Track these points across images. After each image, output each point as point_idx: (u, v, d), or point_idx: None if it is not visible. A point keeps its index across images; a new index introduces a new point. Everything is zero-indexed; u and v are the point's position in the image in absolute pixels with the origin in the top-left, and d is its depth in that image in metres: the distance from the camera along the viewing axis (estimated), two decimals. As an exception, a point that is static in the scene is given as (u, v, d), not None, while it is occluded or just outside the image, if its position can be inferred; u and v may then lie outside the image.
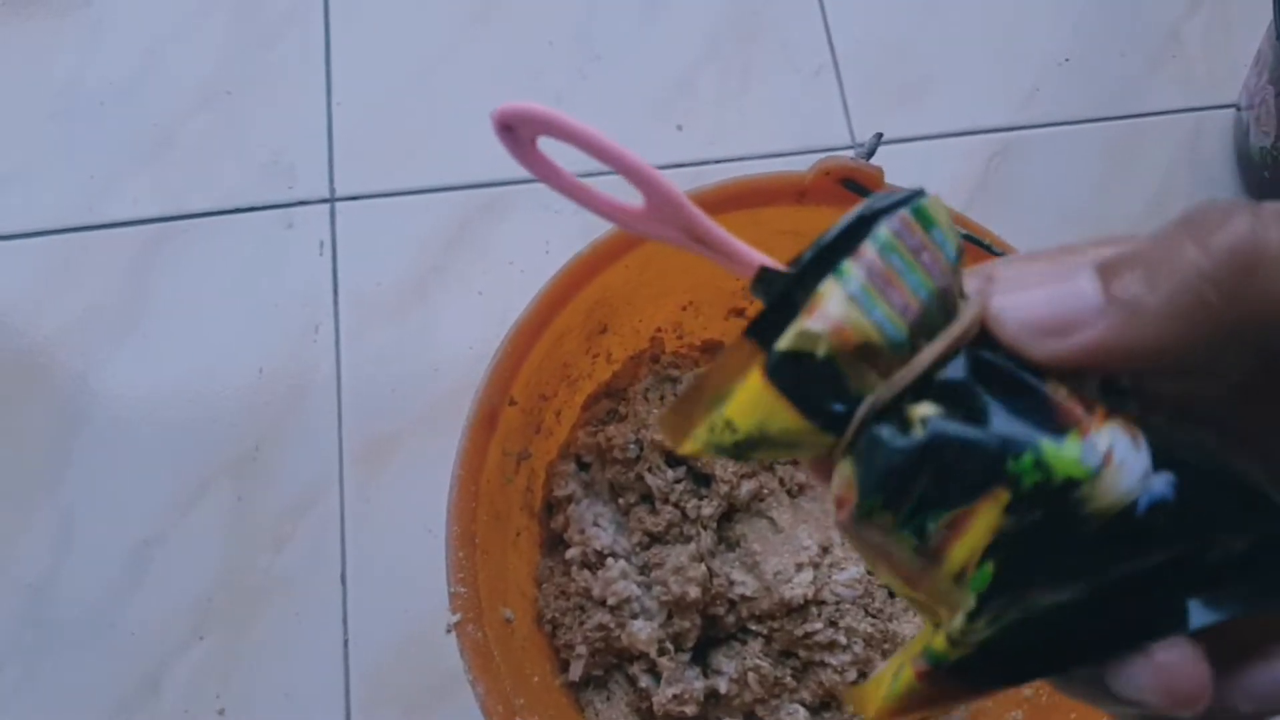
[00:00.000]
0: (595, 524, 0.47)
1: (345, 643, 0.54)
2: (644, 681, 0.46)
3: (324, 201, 0.62)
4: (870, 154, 0.43)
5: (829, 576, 0.46)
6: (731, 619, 0.46)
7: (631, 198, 0.21)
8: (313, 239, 0.61)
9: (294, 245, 0.61)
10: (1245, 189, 0.63)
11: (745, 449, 0.19)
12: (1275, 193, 0.60)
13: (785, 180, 0.44)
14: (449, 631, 0.54)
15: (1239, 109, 0.63)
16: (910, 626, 0.45)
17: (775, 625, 0.46)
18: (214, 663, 0.53)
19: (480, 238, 0.62)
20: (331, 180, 0.63)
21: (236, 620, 0.54)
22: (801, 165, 0.44)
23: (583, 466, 0.49)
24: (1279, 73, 0.56)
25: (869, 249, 0.18)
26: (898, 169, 0.43)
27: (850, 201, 0.44)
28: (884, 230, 0.18)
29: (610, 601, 0.45)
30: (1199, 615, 0.18)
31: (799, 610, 0.45)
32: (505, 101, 0.19)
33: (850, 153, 0.63)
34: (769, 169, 0.45)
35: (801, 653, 0.46)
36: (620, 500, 0.47)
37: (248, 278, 0.60)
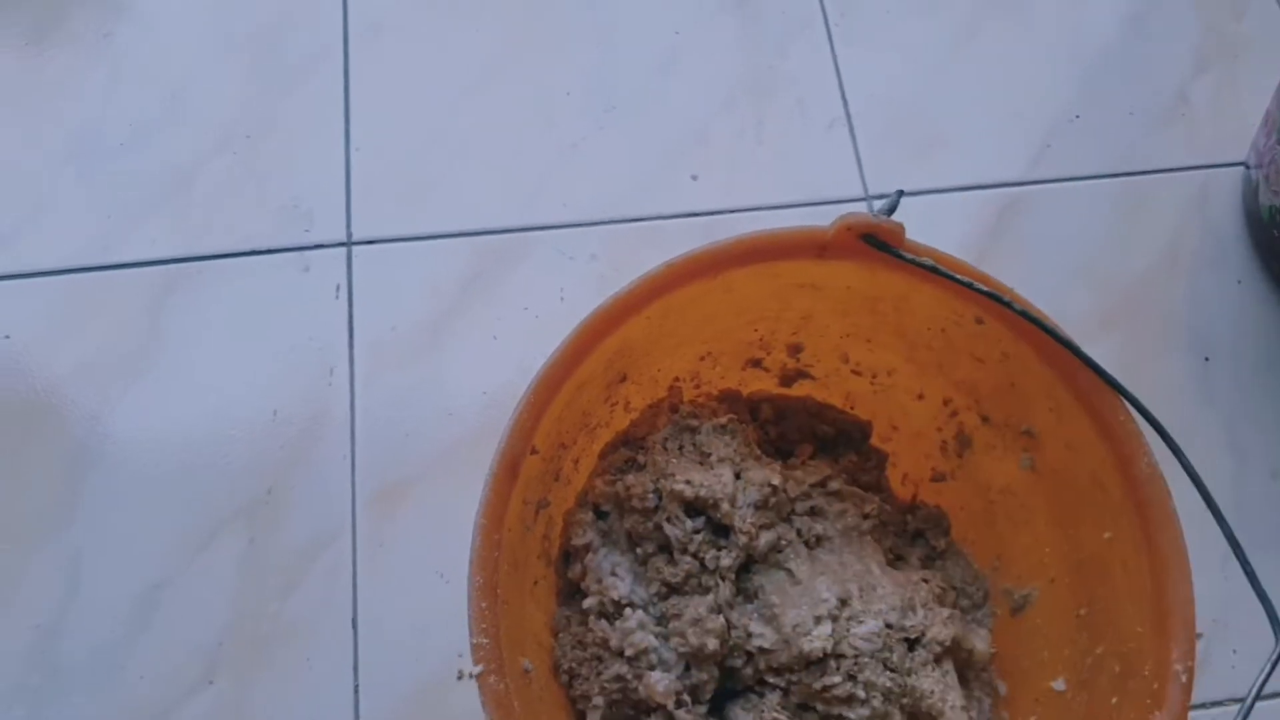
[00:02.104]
0: (613, 573, 0.47)
1: (356, 689, 0.54)
2: (661, 734, 0.45)
3: (341, 245, 0.63)
4: (891, 210, 0.44)
5: (848, 629, 0.45)
6: (749, 671, 0.46)
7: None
8: (329, 282, 0.62)
9: (310, 288, 0.61)
10: (1254, 247, 0.64)
11: None
12: (1283, 250, 0.61)
13: (806, 235, 0.44)
14: (460, 679, 0.54)
15: (1248, 167, 0.64)
16: (929, 681, 0.45)
17: (793, 678, 0.45)
18: (223, 708, 0.53)
19: (495, 283, 0.62)
20: (349, 224, 0.63)
21: (246, 665, 0.54)
22: (814, 217, 0.45)
23: (600, 515, 0.49)
24: (1287, 134, 0.57)
25: None
26: (910, 222, 0.43)
27: (871, 257, 0.44)
28: None
29: (628, 652, 0.45)
30: None
31: (817, 663, 0.45)
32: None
33: (869, 207, 0.64)
34: (782, 220, 0.46)
35: (820, 706, 0.45)
36: (638, 550, 0.47)
37: (263, 320, 0.61)
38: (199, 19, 0.69)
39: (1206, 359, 0.62)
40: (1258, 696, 0.38)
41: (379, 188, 0.64)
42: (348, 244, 0.63)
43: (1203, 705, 0.55)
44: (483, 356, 0.60)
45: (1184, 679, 0.40)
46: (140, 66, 0.67)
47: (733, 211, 0.65)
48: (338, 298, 0.61)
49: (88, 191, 0.64)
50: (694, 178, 0.66)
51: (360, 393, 0.59)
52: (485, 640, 0.39)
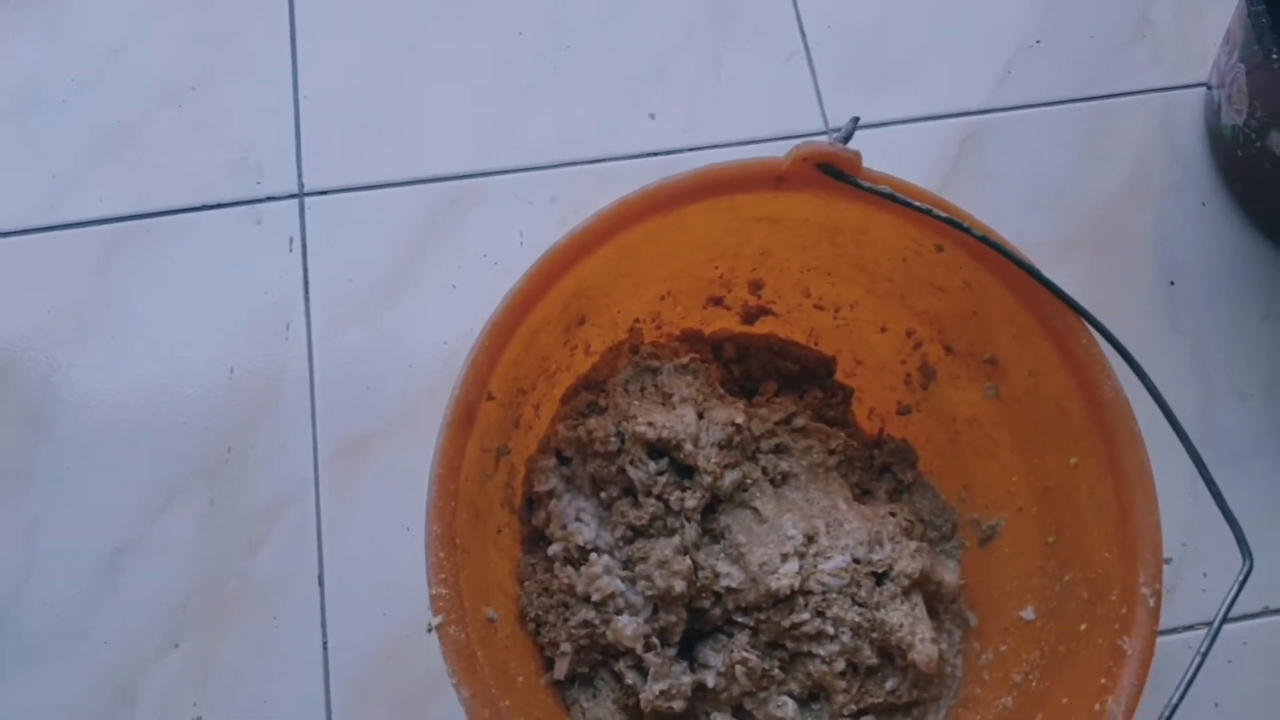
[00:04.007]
0: (577, 519, 0.46)
1: (324, 646, 0.53)
2: (630, 678, 0.45)
3: (293, 197, 0.61)
4: (847, 138, 0.43)
5: (815, 566, 0.45)
6: (718, 612, 0.45)
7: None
8: (282, 235, 0.60)
9: (263, 242, 0.60)
10: (1217, 167, 0.63)
11: None
12: (1246, 170, 0.60)
13: (762, 166, 0.43)
14: (430, 632, 0.54)
15: (1210, 88, 0.63)
16: (898, 614, 0.45)
17: (762, 617, 0.45)
18: (190, 671, 0.52)
19: (452, 230, 0.61)
20: (300, 175, 0.62)
21: (212, 627, 0.53)
22: (775, 152, 0.44)
23: (563, 461, 0.48)
24: (1249, 51, 0.56)
25: None
26: (871, 153, 0.43)
27: (828, 187, 0.43)
28: None
29: (594, 597, 0.45)
30: None
31: (785, 601, 0.45)
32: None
33: (826, 138, 0.63)
34: (743, 156, 0.45)
35: (789, 644, 0.45)
36: (602, 494, 0.47)
37: (216, 276, 0.59)
38: (135, -32, 0.66)
39: (1172, 283, 0.61)
40: (1225, 618, 0.38)
41: (330, 137, 0.63)
42: (300, 195, 0.61)
43: (1174, 630, 0.55)
44: (442, 306, 0.59)
45: (1151, 603, 0.40)
46: (78, 21, 0.65)
47: (692, 150, 0.63)
48: (291, 250, 0.60)
49: (30, 151, 0.62)
50: (652, 116, 0.64)
51: (318, 347, 0.58)
52: (444, 590, 0.38)
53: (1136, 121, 0.65)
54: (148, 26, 0.65)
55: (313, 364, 0.58)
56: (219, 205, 0.61)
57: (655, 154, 0.63)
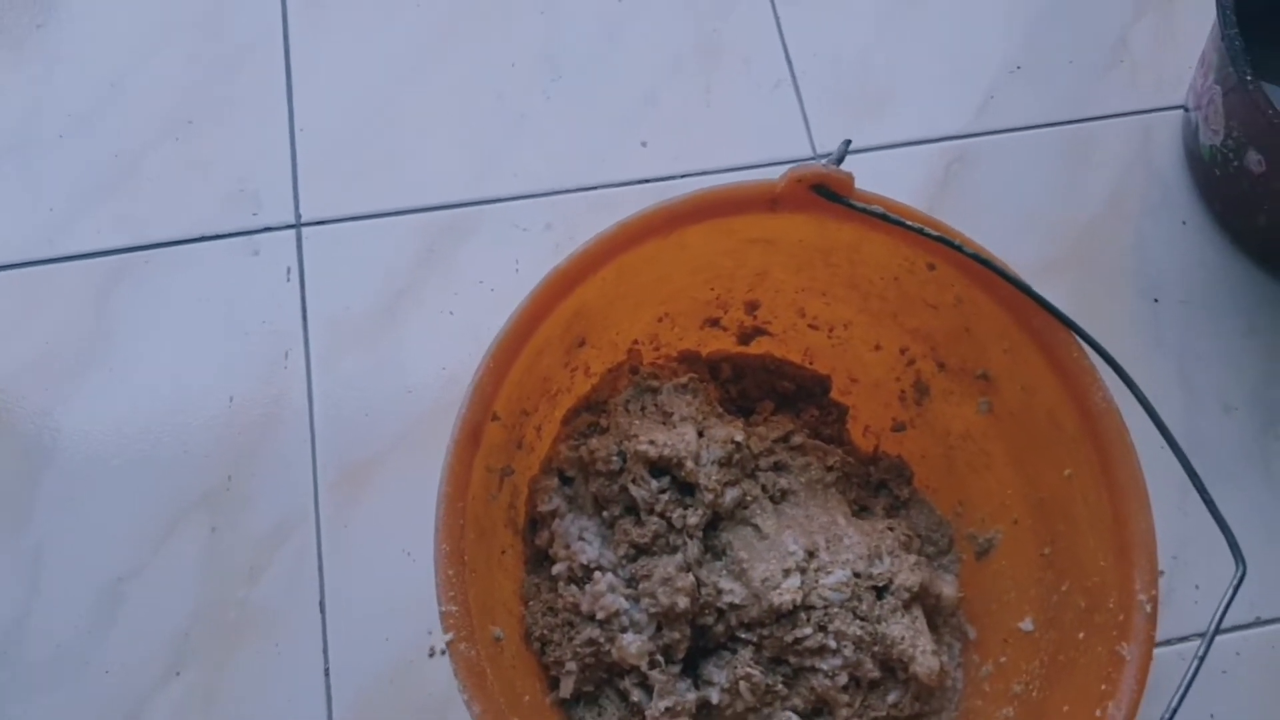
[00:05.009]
0: (580, 538, 0.47)
1: (326, 672, 0.53)
2: (636, 695, 0.45)
3: (290, 227, 0.62)
4: (840, 160, 0.44)
5: (816, 581, 0.46)
6: (721, 628, 0.46)
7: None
8: (279, 265, 0.61)
9: (261, 272, 0.61)
10: (1196, 187, 0.65)
11: None
12: (1225, 189, 0.62)
13: (757, 189, 0.44)
14: (432, 657, 0.54)
15: (1187, 110, 0.65)
16: (899, 627, 0.46)
17: (765, 632, 0.45)
18: (193, 699, 0.52)
19: (448, 258, 0.62)
20: (297, 206, 0.62)
21: (214, 655, 0.53)
22: (765, 177, 0.45)
23: (565, 481, 0.49)
24: (1224, 73, 0.57)
25: None
26: (860, 177, 0.44)
27: (822, 209, 0.44)
28: None
29: (599, 615, 0.45)
30: None
31: (788, 616, 0.45)
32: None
33: (818, 161, 0.64)
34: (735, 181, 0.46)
35: (792, 659, 0.46)
36: (605, 513, 0.47)
37: (215, 306, 0.60)
38: (133, 4, 0.67)
39: (1155, 300, 0.63)
40: (1221, 621, 0.39)
41: (326, 167, 0.64)
42: (297, 225, 0.62)
43: (1167, 642, 0.56)
44: (440, 332, 0.60)
45: (1149, 609, 0.41)
46: (75, 56, 0.66)
47: (684, 176, 0.65)
48: (289, 280, 0.61)
49: (28, 185, 0.62)
50: (644, 144, 0.65)
51: (317, 375, 0.59)
52: (454, 607, 0.38)
53: (1116, 143, 0.66)
54: (145, 61, 0.66)
55: (312, 391, 0.58)
56: (217, 236, 0.61)
57: (647, 181, 0.64)
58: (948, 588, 0.49)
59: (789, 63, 0.68)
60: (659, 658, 0.45)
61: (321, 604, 0.54)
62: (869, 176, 0.45)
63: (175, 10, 0.67)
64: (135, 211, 0.62)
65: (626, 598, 0.46)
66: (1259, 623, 0.56)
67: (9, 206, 0.62)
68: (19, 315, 0.59)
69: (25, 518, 0.55)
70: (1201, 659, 0.39)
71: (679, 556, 0.46)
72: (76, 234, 0.61)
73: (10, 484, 0.56)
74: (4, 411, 0.57)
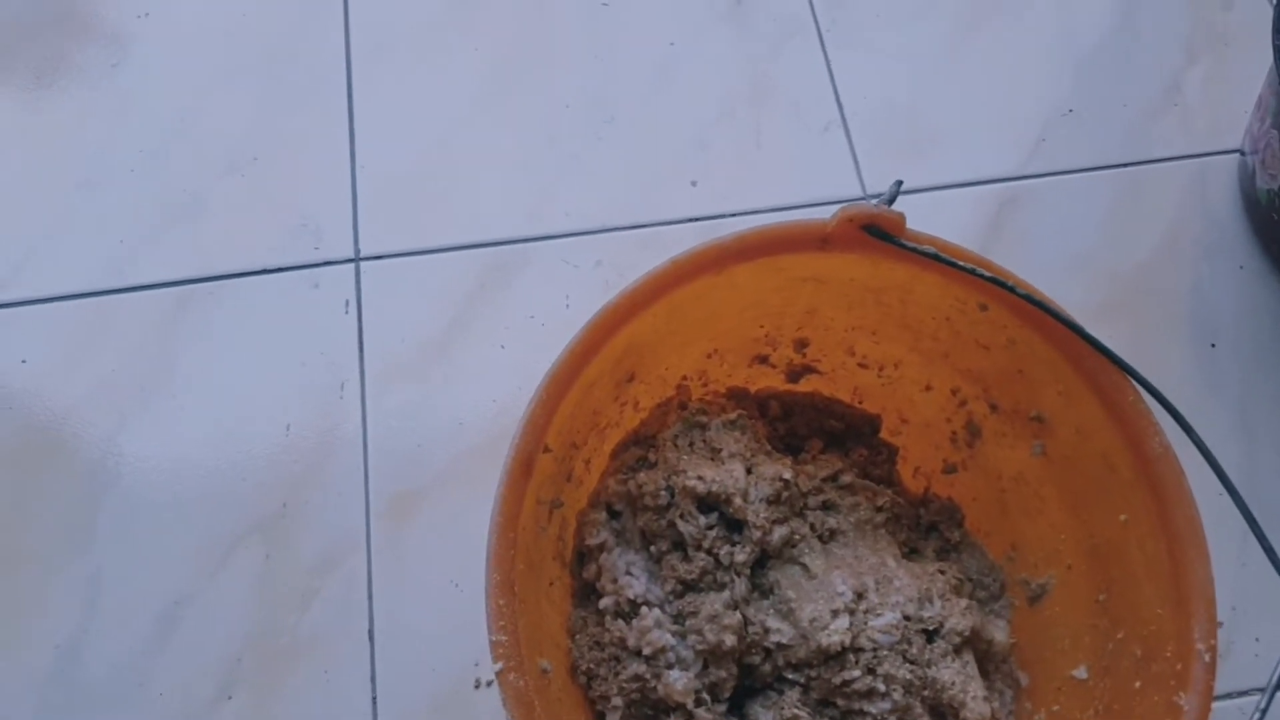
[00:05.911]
0: (628, 573, 0.47)
1: (374, 700, 0.54)
2: (682, 733, 0.45)
3: (349, 261, 0.63)
4: (891, 200, 0.44)
5: (865, 623, 0.45)
6: (768, 668, 0.46)
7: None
8: (339, 298, 0.62)
9: (320, 305, 0.62)
10: (1253, 232, 0.64)
11: None
12: (1284, 235, 0.61)
13: (808, 228, 0.45)
14: (478, 688, 0.54)
15: (1243, 154, 0.64)
16: (949, 672, 0.45)
17: (812, 674, 0.45)
18: (243, 724, 0.53)
19: (501, 293, 0.63)
20: (356, 241, 0.64)
21: (265, 680, 0.54)
22: (815, 217, 0.45)
23: (614, 515, 0.49)
24: (1282, 118, 0.57)
25: None
26: (911, 218, 0.44)
27: (873, 248, 0.44)
28: None
29: (645, 651, 0.45)
30: None
31: (836, 658, 0.45)
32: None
33: (869, 201, 0.64)
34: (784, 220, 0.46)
35: (840, 701, 0.45)
36: (652, 548, 0.47)
37: (275, 337, 0.61)
38: (203, 45, 0.70)
39: (1213, 345, 0.62)
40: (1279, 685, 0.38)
41: (385, 204, 0.65)
42: (356, 260, 0.63)
43: (1226, 695, 0.54)
44: (491, 366, 0.61)
45: (1207, 658, 0.40)
46: (147, 94, 0.68)
47: (733, 215, 0.65)
48: (347, 313, 0.62)
49: (99, 218, 0.65)
50: (694, 184, 0.66)
51: (371, 405, 0.60)
52: (504, 637, 0.39)
53: (1171, 187, 0.66)
54: (213, 101, 0.68)
55: (366, 422, 0.59)
56: (279, 269, 0.63)
57: (697, 219, 0.65)
58: (999, 633, 0.49)
59: (839, 105, 0.69)
60: (705, 696, 0.45)
61: (370, 633, 0.55)
62: (920, 217, 0.45)
63: (243, 52, 0.70)
64: (201, 244, 0.64)
65: (673, 634, 0.45)
66: (1322, 678, 0.55)
67: (81, 237, 0.64)
68: (88, 342, 0.61)
69: (87, 541, 0.56)
70: (1263, 712, 0.38)
71: (726, 594, 0.46)
72: (144, 265, 0.63)
73: (74, 507, 0.57)
74: (71, 437, 0.59)
